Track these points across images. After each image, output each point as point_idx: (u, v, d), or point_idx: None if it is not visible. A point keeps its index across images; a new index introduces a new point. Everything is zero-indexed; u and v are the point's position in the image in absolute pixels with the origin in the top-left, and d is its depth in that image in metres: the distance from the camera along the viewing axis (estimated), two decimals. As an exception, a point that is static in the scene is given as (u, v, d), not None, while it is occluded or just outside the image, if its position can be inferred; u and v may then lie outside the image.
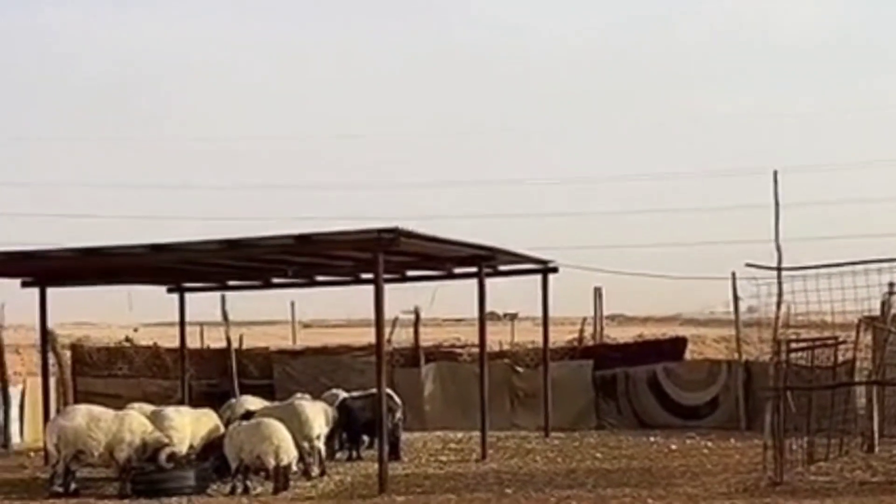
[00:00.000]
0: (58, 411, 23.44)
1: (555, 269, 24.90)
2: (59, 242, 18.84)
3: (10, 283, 23.34)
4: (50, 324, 24.21)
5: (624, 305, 53.68)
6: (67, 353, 28.86)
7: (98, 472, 19.19)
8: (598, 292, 31.36)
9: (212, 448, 18.85)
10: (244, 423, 19.04)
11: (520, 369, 27.44)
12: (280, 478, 17.82)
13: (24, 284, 23.00)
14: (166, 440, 18.29)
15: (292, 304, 41.12)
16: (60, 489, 17.92)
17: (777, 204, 18.58)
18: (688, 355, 28.68)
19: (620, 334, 37.91)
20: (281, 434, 18.05)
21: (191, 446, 18.87)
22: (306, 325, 56.49)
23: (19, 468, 21.89)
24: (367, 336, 28.84)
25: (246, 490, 17.78)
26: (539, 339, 27.28)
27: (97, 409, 18.67)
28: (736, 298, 26.15)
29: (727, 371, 26.01)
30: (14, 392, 26.12)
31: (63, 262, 19.79)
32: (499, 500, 16.43)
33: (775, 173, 18.87)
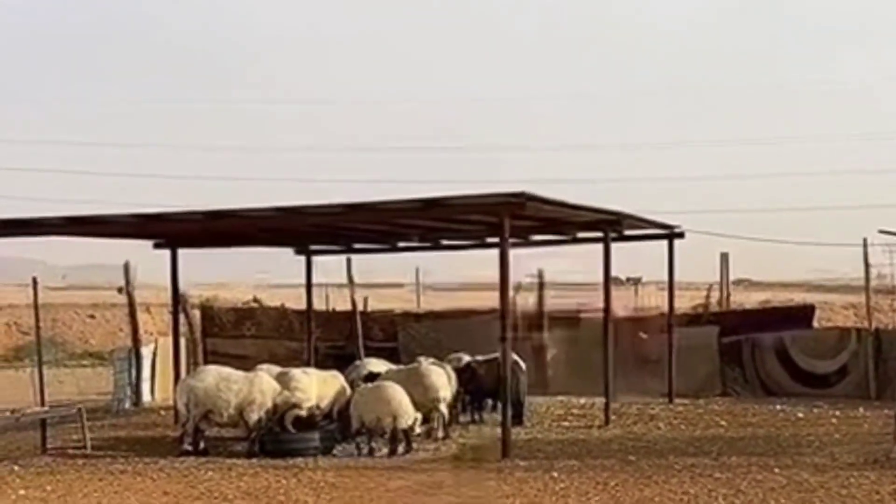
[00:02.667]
0: (188, 371, 23.95)
1: (681, 235, 24.59)
2: (190, 204, 19.10)
3: (143, 245, 23.92)
4: (181, 284, 24.68)
5: (750, 270, 53.09)
6: (197, 314, 29.42)
7: (225, 431, 19.57)
8: (724, 258, 31.00)
9: (337, 410, 19.10)
10: (367, 385, 19.23)
11: (644, 335, 27.23)
12: (398, 441, 17.99)
13: (157, 246, 23.55)
14: (294, 402, 18.52)
15: (417, 269, 41.36)
16: (190, 448, 18.24)
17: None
18: (816, 322, 28.23)
19: (746, 300, 37.48)
20: (399, 398, 18.19)
21: (317, 407, 19.06)
22: (430, 289, 56.72)
23: (150, 426, 22.41)
24: (491, 299, 28.93)
25: (371, 452, 17.96)
26: (663, 304, 27.07)
27: (227, 370, 18.93)
28: (867, 265, 25.65)
29: (857, 339, 25.53)
30: (146, 352, 26.70)
31: (193, 225, 20.11)
32: (622, 467, 16.34)
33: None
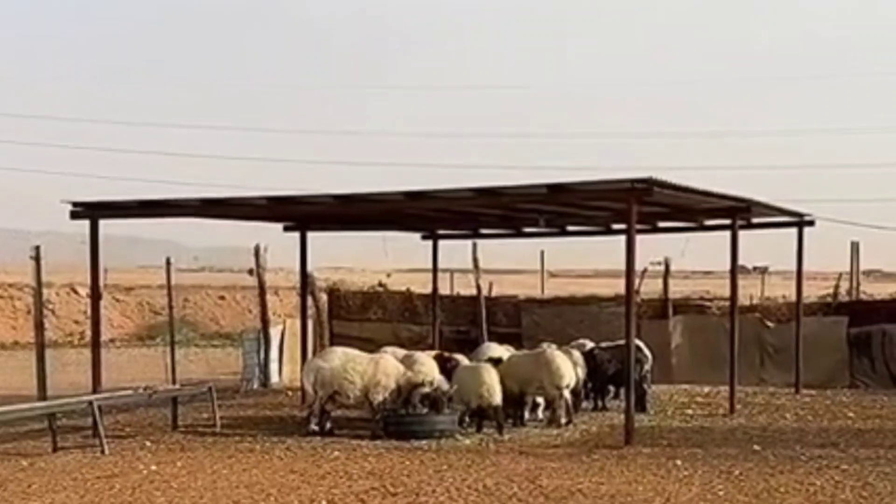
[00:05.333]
0: (314, 353, 24.30)
1: (811, 223, 24.19)
2: (321, 189, 19.32)
3: (272, 227, 24.31)
4: (309, 267, 25.03)
5: (881, 261, 52.08)
6: (324, 297, 29.83)
7: (350, 412, 19.85)
8: (854, 247, 30.45)
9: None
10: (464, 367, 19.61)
11: (770, 324, 26.90)
12: (489, 418, 18.53)
13: (286, 229, 23.93)
14: (418, 380, 18.70)
15: (542, 253, 41.26)
16: (316, 428, 18.51)
17: None
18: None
19: (876, 291, 36.72)
20: (490, 379, 18.60)
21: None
22: (553, 275, 56.61)
23: (277, 406, 22.83)
24: (614, 286, 28.82)
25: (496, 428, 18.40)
26: (789, 294, 26.70)
27: (353, 352, 19.19)
28: None
29: None
30: (274, 333, 27.17)
31: (323, 208, 20.39)
32: (747, 457, 16.19)
33: None
